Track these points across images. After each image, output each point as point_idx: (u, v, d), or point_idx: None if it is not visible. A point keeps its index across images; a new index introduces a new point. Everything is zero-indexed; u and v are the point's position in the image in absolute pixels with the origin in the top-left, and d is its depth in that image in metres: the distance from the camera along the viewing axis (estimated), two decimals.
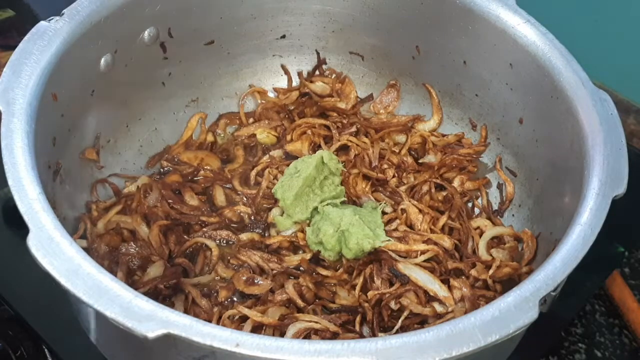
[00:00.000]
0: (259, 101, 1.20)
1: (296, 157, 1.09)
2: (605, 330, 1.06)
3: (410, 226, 1.04)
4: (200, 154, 1.12)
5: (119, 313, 0.66)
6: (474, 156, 1.13)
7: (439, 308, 0.93)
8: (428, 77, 1.17)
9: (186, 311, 0.92)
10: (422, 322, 0.94)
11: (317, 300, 0.96)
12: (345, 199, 1.06)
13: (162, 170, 1.11)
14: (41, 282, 0.78)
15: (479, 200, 1.11)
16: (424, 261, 0.98)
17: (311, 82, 1.20)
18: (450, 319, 0.79)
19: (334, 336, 0.89)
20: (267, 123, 1.16)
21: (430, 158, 1.12)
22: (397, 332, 0.92)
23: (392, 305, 0.94)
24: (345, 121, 1.17)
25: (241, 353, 0.65)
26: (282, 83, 1.22)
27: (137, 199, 1.02)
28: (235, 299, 0.96)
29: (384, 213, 1.04)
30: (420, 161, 1.13)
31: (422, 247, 0.98)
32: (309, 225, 1.02)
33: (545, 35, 0.99)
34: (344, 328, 0.91)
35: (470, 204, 1.11)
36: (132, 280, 0.95)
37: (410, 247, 0.98)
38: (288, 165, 1.07)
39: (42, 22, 0.89)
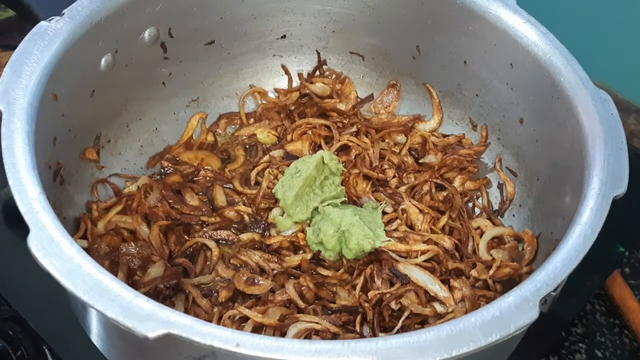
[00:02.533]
0: (260, 101, 1.20)
1: (297, 157, 1.09)
2: (606, 330, 1.06)
3: (411, 226, 1.04)
4: (200, 154, 1.12)
5: (119, 313, 0.66)
6: (474, 157, 1.13)
7: (439, 308, 0.93)
8: (428, 77, 1.17)
9: (186, 311, 0.92)
10: (422, 322, 0.94)
11: (317, 301, 0.96)
12: (346, 199, 1.05)
13: (162, 170, 1.11)
14: (41, 282, 0.78)
15: (480, 200, 1.11)
16: (424, 261, 0.98)
17: (311, 82, 1.20)
18: (451, 319, 0.79)
19: (335, 337, 0.89)
20: (267, 123, 1.16)
21: (431, 158, 1.12)
22: (397, 332, 0.92)
23: (393, 305, 0.93)
24: (345, 121, 1.17)
25: (242, 353, 0.65)
26: (283, 83, 1.22)
27: (137, 199, 1.02)
28: (238, 300, 0.95)
29: (384, 213, 1.04)
30: (420, 161, 1.13)
31: (423, 247, 0.98)
32: (309, 225, 1.02)
33: (546, 35, 0.99)
34: (344, 328, 0.91)
35: (470, 204, 1.11)
36: (132, 280, 0.95)
37: (411, 247, 0.98)
38: (288, 165, 1.07)
39: (43, 22, 0.89)
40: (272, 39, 1.18)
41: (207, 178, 1.09)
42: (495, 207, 1.10)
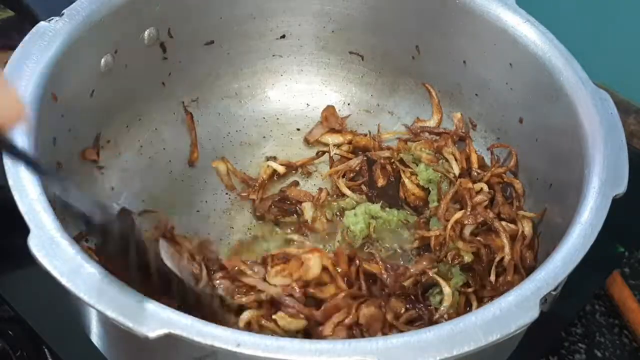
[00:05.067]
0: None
1: None
2: (605, 330, 1.06)
3: None
4: None
5: (119, 313, 0.66)
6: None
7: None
8: (428, 76, 1.17)
9: None
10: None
11: None
12: None
13: None
14: (41, 282, 0.78)
15: None
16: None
17: None
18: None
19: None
20: None
21: None
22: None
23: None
24: None
25: (242, 353, 0.65)
26: (282, 83, 1.22)
27: None
28: None
29: None
30: None
31: None
32: None
33: (545, 35, 0.99)
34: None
35: None
36: None
37: None
38: None
39: (42, 22, 0.89)
40: (272, 39, 1.18)
41: None
42: None
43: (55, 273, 0.68)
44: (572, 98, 0.94)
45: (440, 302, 0.93)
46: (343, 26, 1.17)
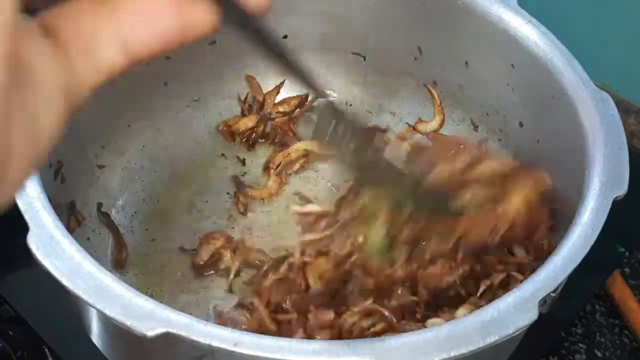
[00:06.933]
0: None
1: None
2: (606, 330, 1.06)
3: None
4: None
5: (118, 312, 0.66)
6: None
7: None
8: (430, 77, 1.17)
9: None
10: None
11: None
12: None
13: None
14: (41, 282, 0.78)
15: None
16: None
17: None
18: None
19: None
20: None
21: None
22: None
23: None
24: None
25: (240, 352, 0.65)
26: (284, 83, 1.22)
27: None
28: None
29: None
30: None
31: None
32: None
33: (547, 36, 0.99)
34: None
35: None
36: None
37: None
38: None
39: None
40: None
41: None
42: None
43: (54, 271, 0.68)
44: (572, 99, 0.93)
45: None
46: (345, 27, 1.17)
